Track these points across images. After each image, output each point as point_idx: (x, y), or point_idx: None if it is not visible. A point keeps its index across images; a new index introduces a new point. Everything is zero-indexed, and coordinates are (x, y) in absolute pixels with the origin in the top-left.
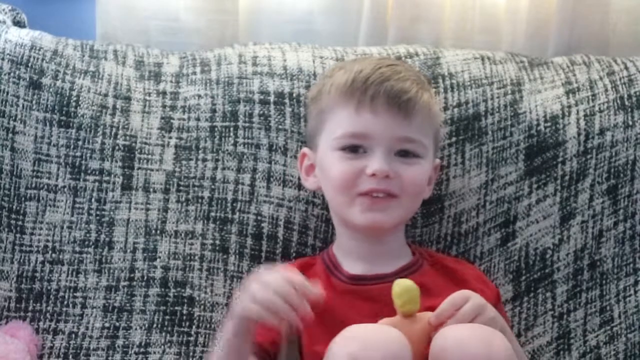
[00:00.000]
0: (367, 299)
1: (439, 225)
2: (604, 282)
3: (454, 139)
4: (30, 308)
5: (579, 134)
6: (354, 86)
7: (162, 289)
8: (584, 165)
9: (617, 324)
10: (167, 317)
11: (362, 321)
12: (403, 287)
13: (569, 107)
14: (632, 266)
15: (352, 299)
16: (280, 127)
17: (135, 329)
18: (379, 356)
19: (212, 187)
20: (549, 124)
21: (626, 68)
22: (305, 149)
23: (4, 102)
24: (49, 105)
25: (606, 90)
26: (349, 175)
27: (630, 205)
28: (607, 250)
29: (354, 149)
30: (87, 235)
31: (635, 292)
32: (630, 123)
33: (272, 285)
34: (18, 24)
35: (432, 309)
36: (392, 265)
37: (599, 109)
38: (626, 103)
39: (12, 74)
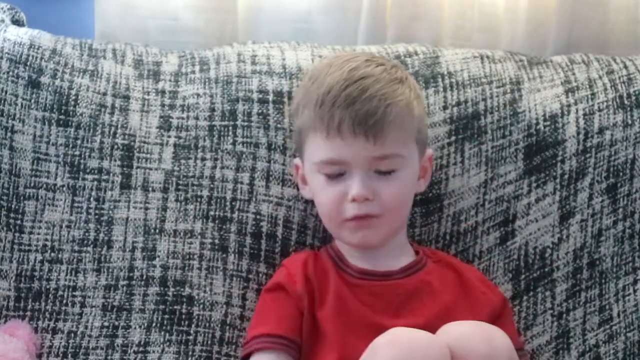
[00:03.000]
0: (372, 294)
1: (438, 225)
2: (603, 281)
3: (453, 138)
4: (30, 307)
5: (578, 133)
6: (323, 110)
7: (161, 288)
8: (584, 164)
9: (616, 323)
10: (166, 316)
11: (370, 314)
12: None
13: (568, 106)
14: (632, 265)
15: (360, 292)
16: (279, 126)
17: (135, 328)
18: None
19: (211, 186)
20: (548, 123)
21: (625, 67)
22: (296, 161)
23: (2, 101)
24: (47, 104)
25: (605, 89)
26: (334, 203)
27: (629, 204)
28: (607, 249)
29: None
30: (86, 234)
31: (635, 291)
32: (630, 122)
33: None
34: (17, 22)
35: (437, 306)
36: (396, 263)
37: (598, 107)
38: (625, 102)
39: (10, 73)
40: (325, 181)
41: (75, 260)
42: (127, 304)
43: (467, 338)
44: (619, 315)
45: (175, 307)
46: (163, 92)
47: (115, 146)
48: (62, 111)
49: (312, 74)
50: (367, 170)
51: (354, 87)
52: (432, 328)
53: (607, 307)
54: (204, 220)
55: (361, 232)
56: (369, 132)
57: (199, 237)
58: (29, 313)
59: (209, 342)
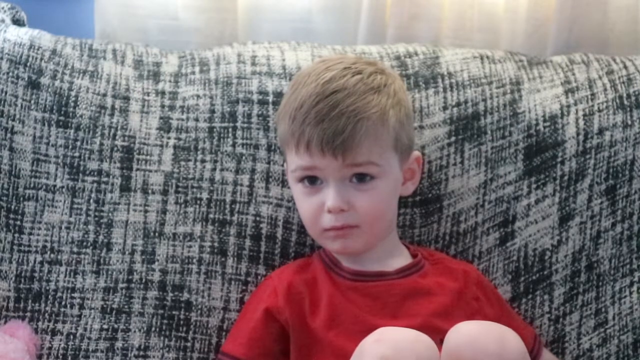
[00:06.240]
0: (367, 295)
1: (437, 225)
2: (600, 283)
3: (453, 138)
4: (29, 308)
5: (577, 134)
6: (295, 126)
7: (160, 293)
8: (583, 166)
9: (611, 326)
10: (165, 321)
11: (366, 317)
12: None
13: (568, 106)
14: (629, 267)
15: (353, 294)
16: None
17: (134, 331)
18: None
19: (211, 188)
20: (547, 123)
21: (625, 67)
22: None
23: (2, 102)
24: (47, 105)
25: (605, 89)
26: (312, 214)
27: (628, 205)
28: (605, 251)
29: (311, 180)
30: (85, 236)
31: (630, 293)
32: (629, 122)
33: None
34: (17, 22)
35: (433, 305)
36: (391, 264)
37: (598, 108)
38: (625, 102)
39: (10, 74)
40: (304, 192)
41: (74, 261)
42: (126, 307)
43: (477, 338)
44: (614, 318)
45: (173, 312)
46: (163, 93)
47: (115, 148)
48: (62, 112)
49: (295, 80)
50: (343, 180)
51: (324, 103)
52: (431, 327)
53: (603, 310)
54: (204, 223)
55: (340, 241)
56: (337, 150)
57: (198, 240)
58: (28, 314)
59: (206, 349)
